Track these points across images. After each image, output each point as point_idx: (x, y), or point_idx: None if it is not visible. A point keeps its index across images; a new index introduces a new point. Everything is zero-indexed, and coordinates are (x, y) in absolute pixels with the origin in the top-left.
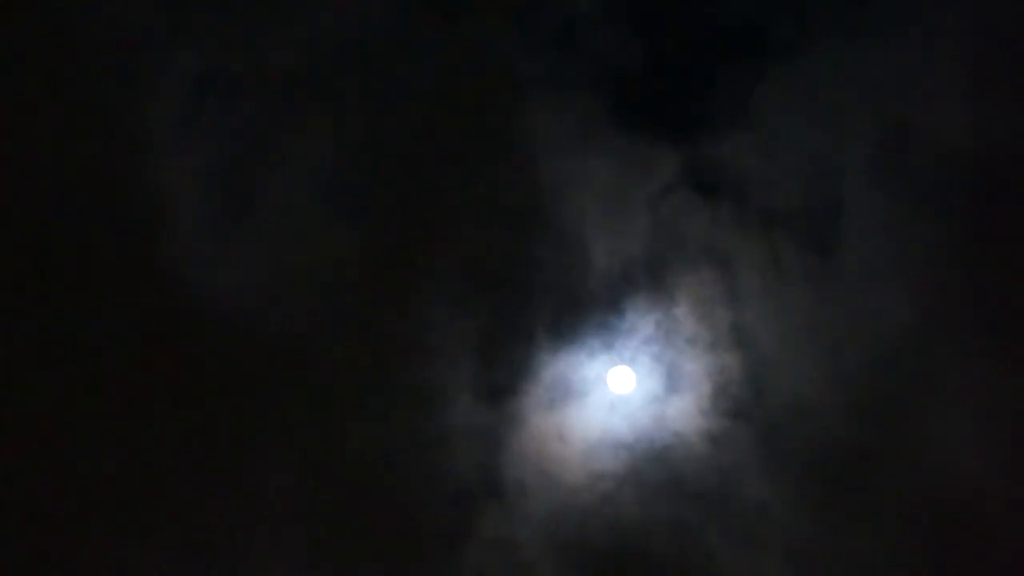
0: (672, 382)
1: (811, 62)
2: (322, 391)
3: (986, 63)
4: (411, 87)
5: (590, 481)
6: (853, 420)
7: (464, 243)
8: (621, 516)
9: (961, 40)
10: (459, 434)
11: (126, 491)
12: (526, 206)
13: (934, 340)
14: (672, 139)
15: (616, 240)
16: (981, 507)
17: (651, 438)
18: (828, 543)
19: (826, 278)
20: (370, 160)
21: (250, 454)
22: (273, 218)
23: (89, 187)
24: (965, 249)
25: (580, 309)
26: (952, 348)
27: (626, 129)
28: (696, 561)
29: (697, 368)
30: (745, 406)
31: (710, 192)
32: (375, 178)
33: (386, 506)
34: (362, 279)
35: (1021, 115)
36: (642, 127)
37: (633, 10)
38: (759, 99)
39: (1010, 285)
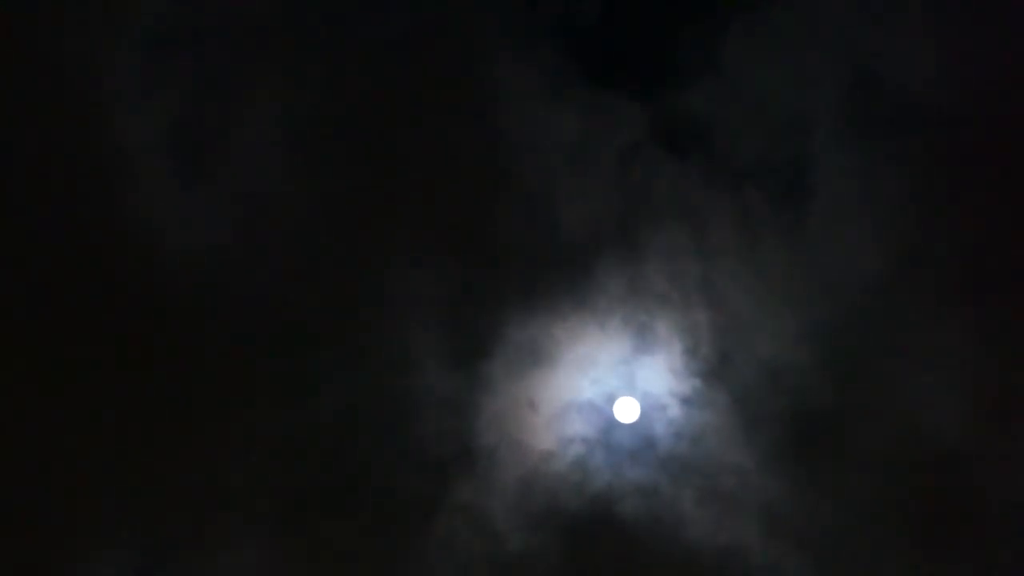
0: (642, 342)
1: (778, 13)
2: (286, 355)
3: (953, 12)
4: (373, 43)
5: (560, 446)
6: (825, 378)
7: (429, 203)
8: (592, 481)
9: None
10: (427, 400)
11: (86, 458)
12: (491, 164)
13: (904, 294)
14: (638, 93)
15: (583, 198)
16: (953, 463)
17: (622, 400)
18: (802, 503)
19: (796, 232)
20: (332, 118)
21: (214, 419)
22: (233, 176)
23: (47, 144)
24: (934, 200)
25: (548, 269)
26: (922, 302)
27: (592, 84)
28: (668, 524)
29: (668, 327)
30: (716, 366)
31: (678, 147)
32: (337, 137)
33: (354, 473)
34: (325, 239)
35: (988, 64)
36: (608, 81)
37: None
38: (726, 51)
39: (979, 236)
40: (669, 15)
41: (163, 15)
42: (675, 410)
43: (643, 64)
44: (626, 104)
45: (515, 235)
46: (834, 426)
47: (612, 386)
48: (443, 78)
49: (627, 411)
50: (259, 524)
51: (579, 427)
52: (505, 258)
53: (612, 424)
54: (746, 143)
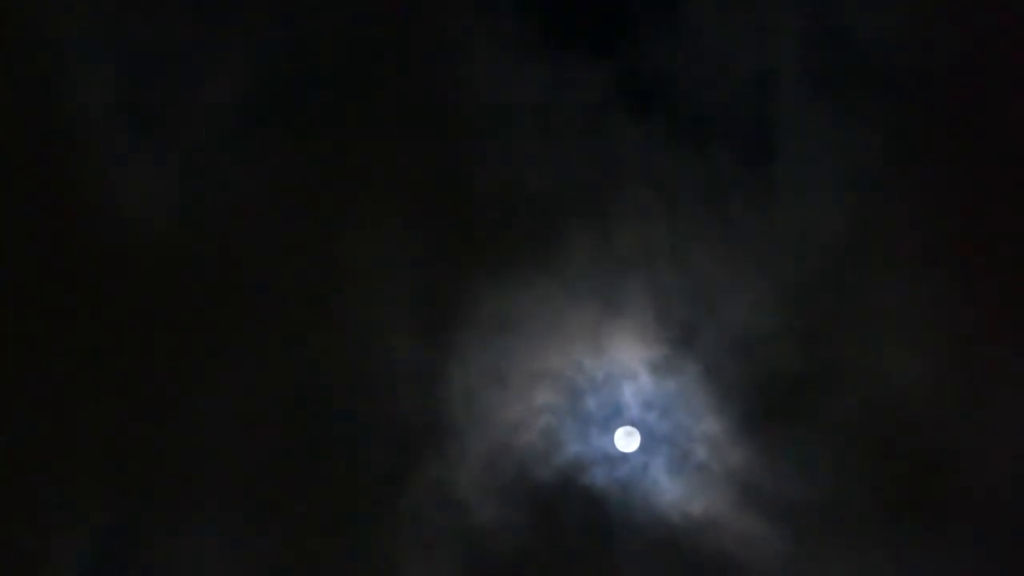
0: (610, 309)
1: None
2: (250, 327)
3: None
4: (334, 8)
5: (528, 416)
6: (796, 344)
7: (392, 169)
8: (560, 451)
9: None
10: (393, 371)
11: (51, 431)
12: (455, 129)
13: (871, 254)
14: (602, 53)
15: (548, 161)
16: (924, 427)
17: (590, 368)
18: (774, 472)
19: (763, 194)
20: (294, 83)
21: (177, 391)
22: (193, 143)
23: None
24: (902, 159)
25: (513, 234)
26: (890, 264)
27: (554, 45)
28: (638, 494)
29: (636, 293)
30: (686, 333)
31: (642, 108)
32: (299, 102)
33: (320, 446)
34: (287, 206)
35: (956, 20)
36: (571, 42)
37: None
38: (689, 8)
39: (948, 197)
40: None
41: None
42: (644, 378)
43: (605, 23)
44: (589, 65)
45: (480, 200)
46: (805, 393)
47: (580, 354)
48: (404, 42)
49: (596, 380)
50: (225, 497)
51: (547, 397)
52: (470, 224)
53: (581, 393)
54: (710, 102)
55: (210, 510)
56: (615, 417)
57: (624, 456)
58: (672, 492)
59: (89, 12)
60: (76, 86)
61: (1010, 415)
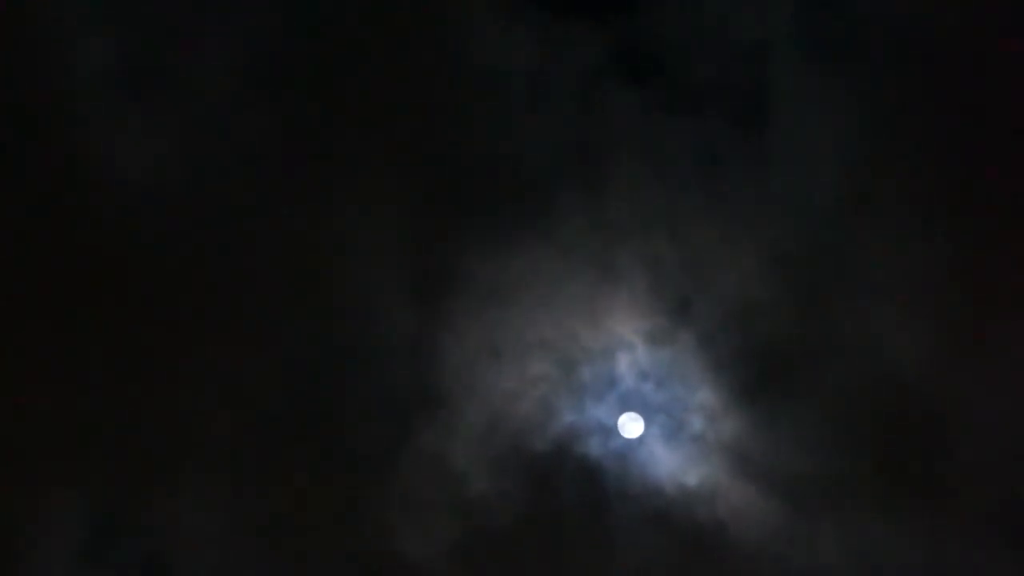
0: (605, 279)
1: None
2: (243, 297)
3: None
4: None
5: (523, 387)
6: (791, 313)
7: (386, 135)
8: (555, 422)
9: None
10: (387, 342)
11: (43, 402)
12: (449, 96)
13: (867, 224)
14: (597, 20)
15: (543, 128)
16: (919, 396)
17: (585, 339)
18: (769, 442)
19: (758, 161)
20: (286, 49)
21: (170, 362)
22: (186, 109)
23: None
24: (895, 127)
25: (508, 202)
26: (885, 231)
27: (549, 11)
28: (634, 464)
29: (630, 262)
30: (681, 303)
31: (638, 76)
32: (291, 68)
33: (314, 418)
34: (279, 174)
35: None
36: (566, 9)
37: None
38: None
39: (943, 162)
40: None
41: None
42: (640, 348)
43: None
44: (584, 32)
45: (473, 170)
46: (801, 362)
47: (575, 325)
48: (399, 7)
49: (591, 351)
50: (220, 468)
51: (542, 367)
52: (463, 194)
53: (575, 364)
54: (706, 70)
55: (204, 481)
56: (610, 388)
57: (619, 426)
58: (667, 463)
59: None
60: (71, 49)
61: (1007, 383)
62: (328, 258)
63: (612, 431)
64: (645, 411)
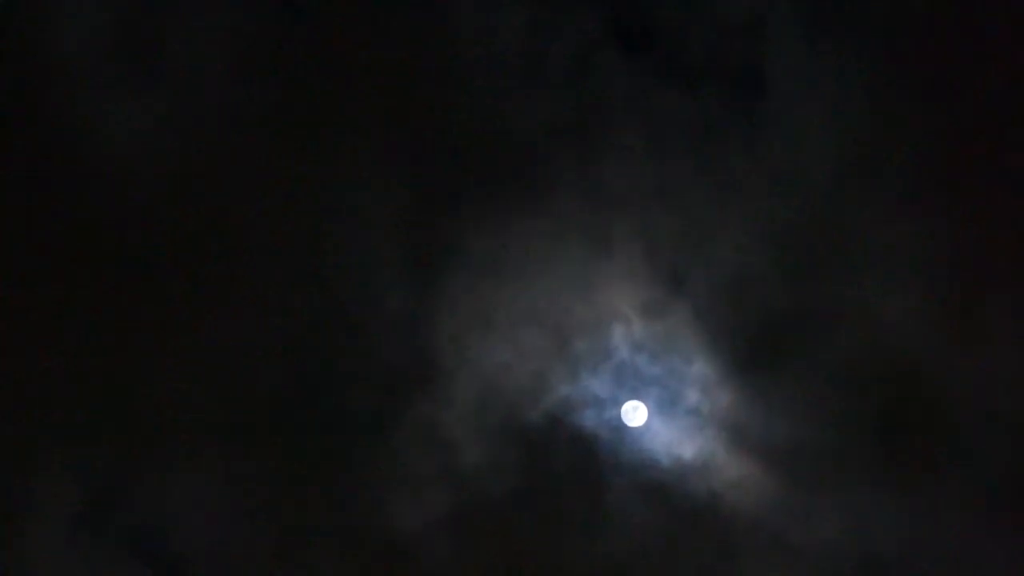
0: (600, 250)
1: None
2: (238, 268)
3: None
4: None
5: (517, 359)
6: (787, 284)
7: (381, 110)
8: (549, 394)
9: None
10: (382, 313)
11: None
12: (444, 69)
13: (862, 194)
14: None
15: (538, 101)
16: (915, 367)
17: (580, 311)
18: (765, 415)
19: (753, 133)
20: (282, 25)
21: (165, 332)
22: (182, 81)
23: None
24: (890, 98)
25: (502, 175)
26: (880, 201)
27: None
28: (628, 437)
29: (625, 234)
30: (676, 275)
31: (633, 48)
32: (287, 43)
33: (309, 389)
34: (274, 147)
35: None
36: None
37: None
38: None
39: (937, 134)
40: None
41: None
42: (634, 320)
43: None
44: (579, 4)
45: (468, 142)
46: (797, 333)
47: (569, 297)
48: None
49: (586, 323)
50: (214, 439)
51: (536, 339)
52: (458, 167)
53: (570, 336)
54: (701, 42)
55: (199, 452)
56: (604, 360)
57: (614, 398)
58: (662, 435)
59: None
60: (62, 19)
61: (1003, 353)
62: (322, 231)
63: (606, 403)
64: (640, 383)
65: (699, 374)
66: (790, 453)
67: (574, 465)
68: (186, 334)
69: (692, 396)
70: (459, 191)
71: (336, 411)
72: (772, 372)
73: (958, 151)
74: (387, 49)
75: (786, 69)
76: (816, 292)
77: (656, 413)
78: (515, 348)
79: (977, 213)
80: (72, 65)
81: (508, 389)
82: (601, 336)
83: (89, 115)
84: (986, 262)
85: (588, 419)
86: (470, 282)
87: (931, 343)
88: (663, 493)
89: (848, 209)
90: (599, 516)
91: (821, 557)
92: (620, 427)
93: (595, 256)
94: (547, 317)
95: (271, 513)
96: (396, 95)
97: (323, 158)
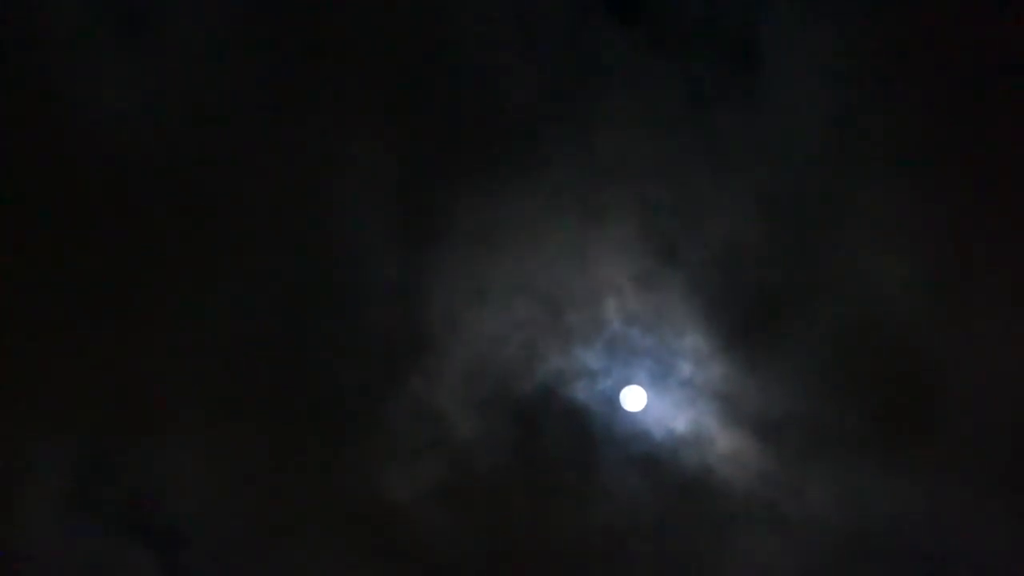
0: (593, 221)
1: None
2: (227, 239)
3: None
4: None
5: (509, 330)
6: (780, 254)
7: (373, 78)
8: (542, 365)
9: None
10: (372, 286)
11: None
12: (435, 36)
13: (856, 165)
14: None
15: (530, 68)
16: (910, 339)
17: (572, 282)
18: (759, 388)
19: (747, 102)
20: None
21: (154, 303)
22: (174, 47)
23: None
24: (885, 67)
25: (494, 143)
26: (875, 172)
27: None
28: (621, 410)
29: (619, 204)
30: (670, 245)
31: (626, 16)
32: (280, 9)
33: (299, 363)
34: (266, 115)
35: None
36: None
37: None
38: None
39: (932, 102)
40: None
41: None
42: (627, 292)
43: None
44: None
45: (459, 111)
46: (791, 306)
47: (562, 268)
48: None
49: (578, 294)
50: (206, 411)
51: (528, 311)
52: (449, 136)
53: (562, 307)
54: (695, 10)
55: (191, 424)
56: (597, 332)
57: (606, 369)
58: (655, 407)
59: None
60: None
61: (999, 325)
62: (314, 200)
63: (598, 376)
64: (632, 356)
65: (692, 346)
66: (783, 426)
67: (566, 437)
68: (178, 306)
69: (685, 369)
70: (451, 161)
71: (328, 383)
72: (766, 344)
73: (954, 121)
74: (379, 21)
75: (781, 38)
76: (810, 264)
77: (649, 385)
78: (508, 320)
79: (973, 183)
80: (62, 33)
81: (500, 361)
82: (594, 308)
83: (80, 84)
84: (982, 232)
85: (580, 391)
86: (462, 253)
87: (926, 314)
88: (655, 466)
89: (843, 180)
90: (591, 489)
91: (814, 530)
92: (613, 399)
93: (587, 226)
94: (540, 289)
95: (263, 485)
96: (389, 66)
97: (315, 129)
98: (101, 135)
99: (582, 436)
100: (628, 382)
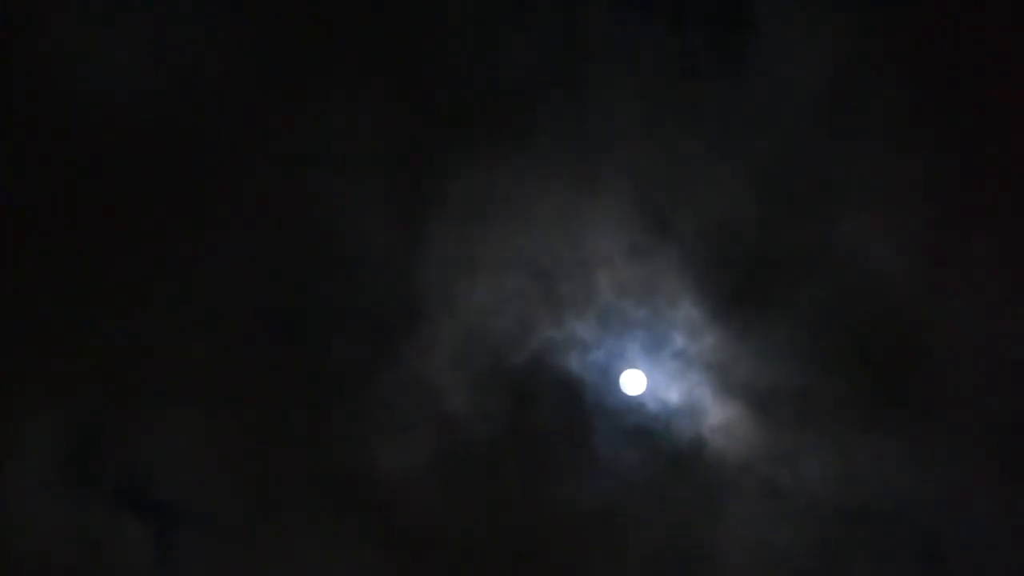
0: (584, 192)
1: None
2: (217, 213)
3: None
4: None
5: (501, 302)
6: (773, 225)
7: (364, 48)
8: (534, 336)
9: None
10: (365, 258)
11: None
12: (426, 8)
13: (850, 136)
14: None
15: (521, 39)
16: (904, 308)
17: (564, 253)
18: (753, 360)
19: (739, 72)
20: None
21: (142, 278)
22: (161, 19)
23: None
24: (879, 36)
25: (485, 114)
26: (869, 144)
27: None
28: (614, 380)
29: (611, 175)
30: (662, 216)
31: None
32: None
33: (292, 335)
34: (255, 87)
35: None
36: None
37: None
38: None
39: (927, 75)
40: None
41: None
42: (619, 262)
43: None
44: None
45: (450, 81)
46: (784, 277)
47: (553, 239)
48: None
49: (570, 265)
50: (196, 387)
51: (520, 282)
52: (440, 107)
53: (554, 278)
54: None
55: (182, 398)
56: (589, 303)
57: (599, 341)
58: (648, 379)
59: None
60: None
61: (993, 297)
62: (304, 173)
63: (590, 347)
64: (624, 326)
65: (685, 317)
66: (777, 396)
67: (559, 409)
68: (170, 279)
69: (678, 339)
70: (441, 132)
71: (319, 356)
72: (759, 315)
73: (948, 90)
74: None
75: (774, 7)
76: (804, 233)
77: (641, 356)
78: (499, 292)
79: (968, 152)
80: (46, 8)
81: (492, 333)
82: (586, 280)
83: (70, 47)
84: (977, 201)
85: (573, 363)
86: (453, 224)
87: (921, 284)
88: (648, 436)
89: (836, 149)
90: (584, 460)
91: (808, 501)
92: (606, 370)
93: (579, 197)
94: (532, 261)
95: (256, 459)
96: (380, 38)
97: (307, 99)
98: (91, 112)
99: (574, 407)
100: (622, 354)
